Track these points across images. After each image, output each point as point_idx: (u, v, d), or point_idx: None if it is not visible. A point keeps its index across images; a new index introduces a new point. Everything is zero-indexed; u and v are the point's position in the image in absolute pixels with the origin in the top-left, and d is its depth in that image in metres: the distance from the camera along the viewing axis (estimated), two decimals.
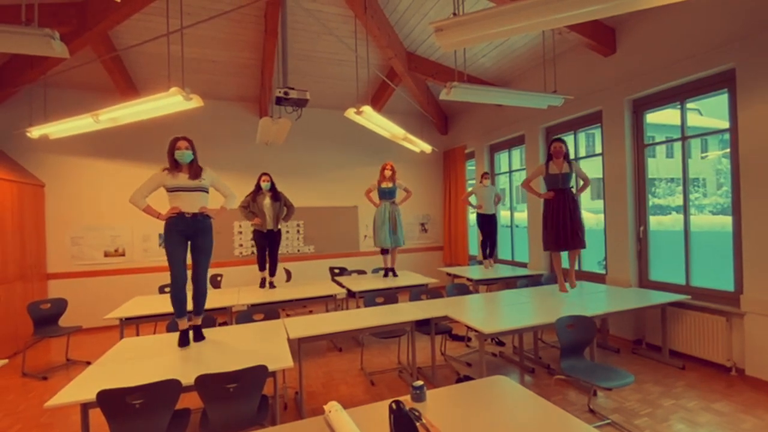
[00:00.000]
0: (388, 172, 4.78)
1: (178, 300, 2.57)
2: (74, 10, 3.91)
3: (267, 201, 4.27)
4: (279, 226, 4.37)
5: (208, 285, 5.29)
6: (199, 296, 2.72)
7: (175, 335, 2.67)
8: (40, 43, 2.19)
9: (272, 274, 4.41)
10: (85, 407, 1.85)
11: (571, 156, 5.00)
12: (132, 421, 1.75)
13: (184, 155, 2.54)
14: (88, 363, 3.93)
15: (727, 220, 3.43)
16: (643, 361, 3.65)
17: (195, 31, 4.44)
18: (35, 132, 4.08)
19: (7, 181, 4.35)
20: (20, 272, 4.53)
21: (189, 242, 2.61)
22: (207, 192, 2.66)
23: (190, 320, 2.66)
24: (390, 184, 4.79)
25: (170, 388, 1.82)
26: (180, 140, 2.56)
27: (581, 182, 3.82)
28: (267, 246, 4.35)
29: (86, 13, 3.92)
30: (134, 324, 3.47)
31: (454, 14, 2.22)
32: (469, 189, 5.87)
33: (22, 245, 4.60)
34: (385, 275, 4.76)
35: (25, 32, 2.15)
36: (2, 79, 4.62)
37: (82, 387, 1.90)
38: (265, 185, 4.26)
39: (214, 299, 3.83)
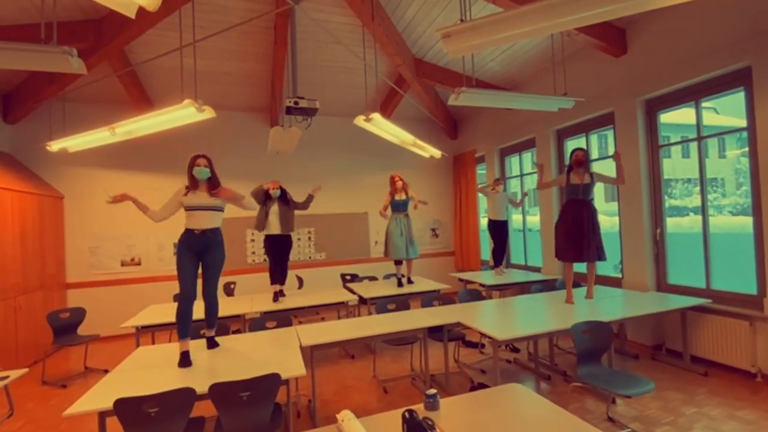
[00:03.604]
0: (399, 183, 4.73)
1: (183, 317, 2.53)
2: (91, 27, 4.04)
3: (275, 207, 4.22)
4: (290, 232, 4.30)
5: (222, 293, 5.34)
6: (211, 313, 2.75)
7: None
8: (59, 60, 2.27)
9: (282, 282, 4.40)
10: (103, 415, 1.88)
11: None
12: (148, 430, 1.77)
13: (201, 172, 2.60)
14: (106, 371, 4.01)
15: (748, 221, 3.33)
16: (664, 367, 3.55)
17: (207, 44, 4.54)
18: (55, 145, 4.21)
19: (28, 194, 4.48)
20: (41, 282, 4.65)
21: (201, 258, 2.63)
22: (222, 211, 2.70)
23: (203, 335, 2.71)
24: (404, 196, 4.74)
25: (185, 396, 1.84)
26: (199, 158, 2.63)
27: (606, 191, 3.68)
28: (278, 254, 4.34)
29: (103, 29, 4.05)
30: (150, 332, 3.52)
31: (462, 20, 2.23)
32: (482, 186, 5.77)
33: (42, 256, 4.72)
34: (400, 284, 4.72)
35: (44, 50, 2.23)
36: (23, 95, 4.79)
37: (100, 395, 1.93)
38: (274, 193, 4.22)
39: (227, 307, 3.87)
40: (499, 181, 5.44)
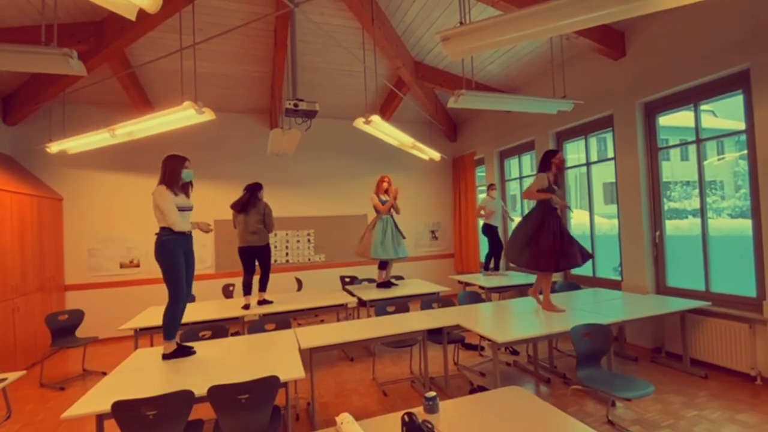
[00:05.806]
0: (385, 185, 4.74)
1: (179, 319, 2.60)
2: (92, 29, 4.04)
3: None
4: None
5: (221, 294, 5.33)
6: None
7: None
8: (59, 62, 2.27)
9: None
10: (101, 418, 1.87)
11: (582, 161, 4.97)
12: None
13: (191, 174, 2.69)
14: (104, 373, 4.00)
15: (747, 224, 3.33)
16: (663, 370, 3.54)
17: (207, 47, 4.54)
18: (54, 147, 4.21)
19: (27, 195, 4.48)
20: (39, 284, 4.63)
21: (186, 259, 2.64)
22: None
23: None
24: (386, 197, 4.73)
25: (183, 399, 1.83)
26: (186, 160, 2.67)
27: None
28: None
29: (103, 31, 4.05)
30: (148, 334, 3.51)
31: (461, 23, 2.24)
32: (479, 203, 5.86)
33: (41, 258, 4.71)
34: (388, 286, 4.71)
35: (44, 52, 2.23)
36: (23, 96, 4.79)
37: (98, 398, 1.92)
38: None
39: (226, 309, 3.87)
40: (493, 186, 5.55)
